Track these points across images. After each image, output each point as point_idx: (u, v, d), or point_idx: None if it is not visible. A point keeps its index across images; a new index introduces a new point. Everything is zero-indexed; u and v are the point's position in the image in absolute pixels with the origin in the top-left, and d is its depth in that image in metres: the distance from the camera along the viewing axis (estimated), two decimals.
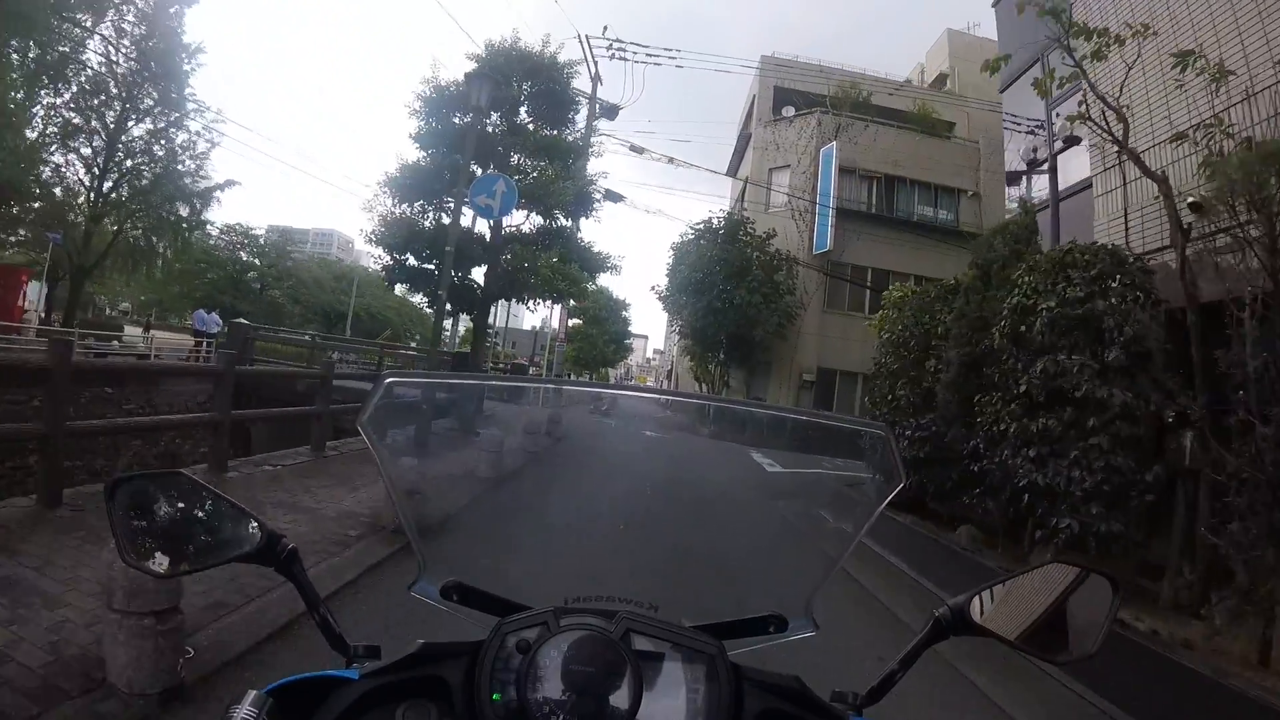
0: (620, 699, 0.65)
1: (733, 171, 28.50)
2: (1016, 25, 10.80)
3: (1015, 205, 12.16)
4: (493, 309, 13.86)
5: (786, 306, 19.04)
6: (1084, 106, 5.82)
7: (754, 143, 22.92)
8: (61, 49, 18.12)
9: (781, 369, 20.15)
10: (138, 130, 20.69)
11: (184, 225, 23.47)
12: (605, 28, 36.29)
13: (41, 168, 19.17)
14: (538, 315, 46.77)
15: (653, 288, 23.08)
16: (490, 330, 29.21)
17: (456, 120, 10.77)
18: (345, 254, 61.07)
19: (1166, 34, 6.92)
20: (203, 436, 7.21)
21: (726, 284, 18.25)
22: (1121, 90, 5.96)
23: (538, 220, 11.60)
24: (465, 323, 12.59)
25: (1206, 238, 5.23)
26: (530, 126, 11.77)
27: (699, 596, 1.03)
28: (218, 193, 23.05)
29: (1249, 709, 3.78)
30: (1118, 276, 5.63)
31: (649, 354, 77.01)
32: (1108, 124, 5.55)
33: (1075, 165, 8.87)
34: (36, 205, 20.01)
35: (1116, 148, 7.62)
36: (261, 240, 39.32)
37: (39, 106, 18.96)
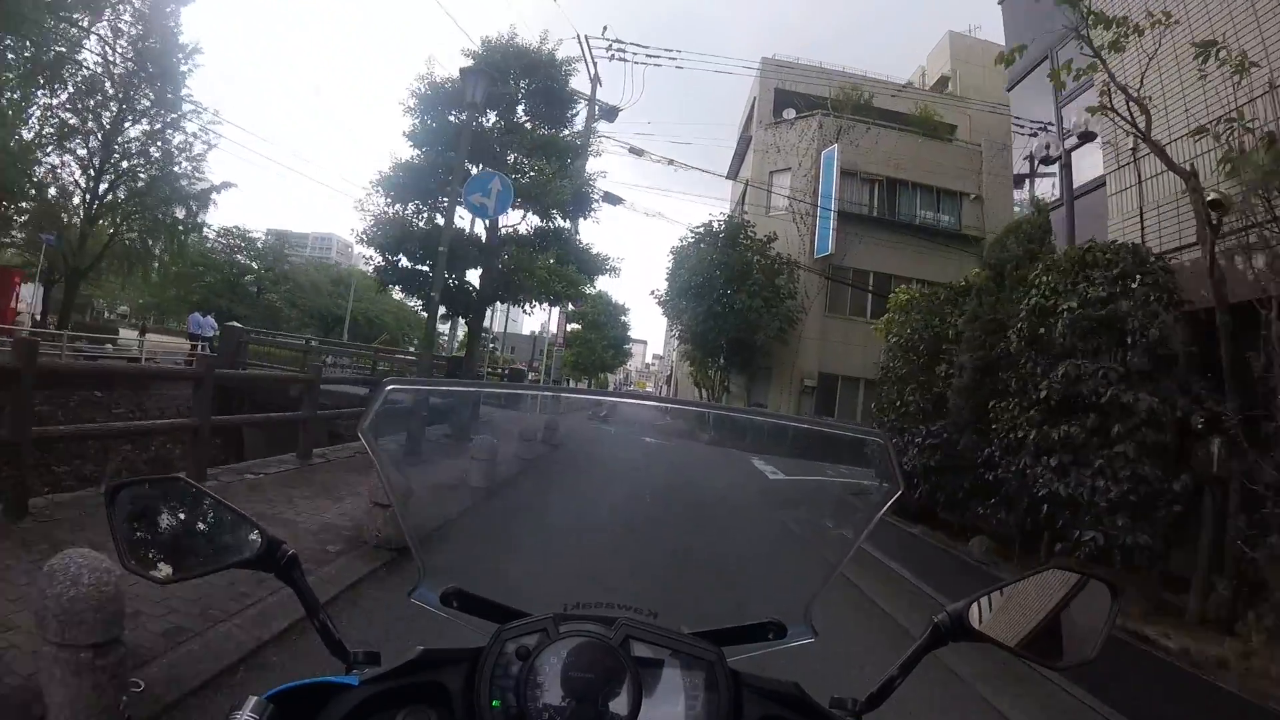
0: (620, 706, 0.65)
1: (733, 174, 28.36)
2: (1024, 22, 10.64)
3: (1021, 206, 11.98)
4: (490, 313, 13.63)
5: (787, 311, 18.86)
6: (1104, 98, 5.58)
7: (754, 145, 22.77)
8: (58, 49, 17.95)
9: (782, 374, 19.94)
10: (134, 131, 20.58)
11: (180, 228, 23.29)
12: (605, 28, 36.21)
13: (35, 168, 18.99)
14: (536, 320, 46.69)
15: (652, 292, 22.95)
16: (489, 335, 29.08)
17: (452, 118, 10.57)
18: (344, 258, 60.92)
19: (1180, 25, 6.72)
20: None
21: (727, 288, 18.08)
22: (1141, 82, 5.74)
23: (534, 221, 11.42)
24: (465, 327, 12.34)
25: (1239, 232, 4.98)
26: (527, 125, 11.57)
27: (698, 603, 1.02)
28: (214, 195, 22.91)
29: None
30: (1138, 276, 5.41)
31: (648, 359, 76.82)
32: (1132, 115, 5.31)
33: (1087, 164, 8.66)
34: (27, 206, 19.80)
35: (1131, 146, 7.43)
36: (259, 243, 39.17)
37: (35, 107, 18.80)
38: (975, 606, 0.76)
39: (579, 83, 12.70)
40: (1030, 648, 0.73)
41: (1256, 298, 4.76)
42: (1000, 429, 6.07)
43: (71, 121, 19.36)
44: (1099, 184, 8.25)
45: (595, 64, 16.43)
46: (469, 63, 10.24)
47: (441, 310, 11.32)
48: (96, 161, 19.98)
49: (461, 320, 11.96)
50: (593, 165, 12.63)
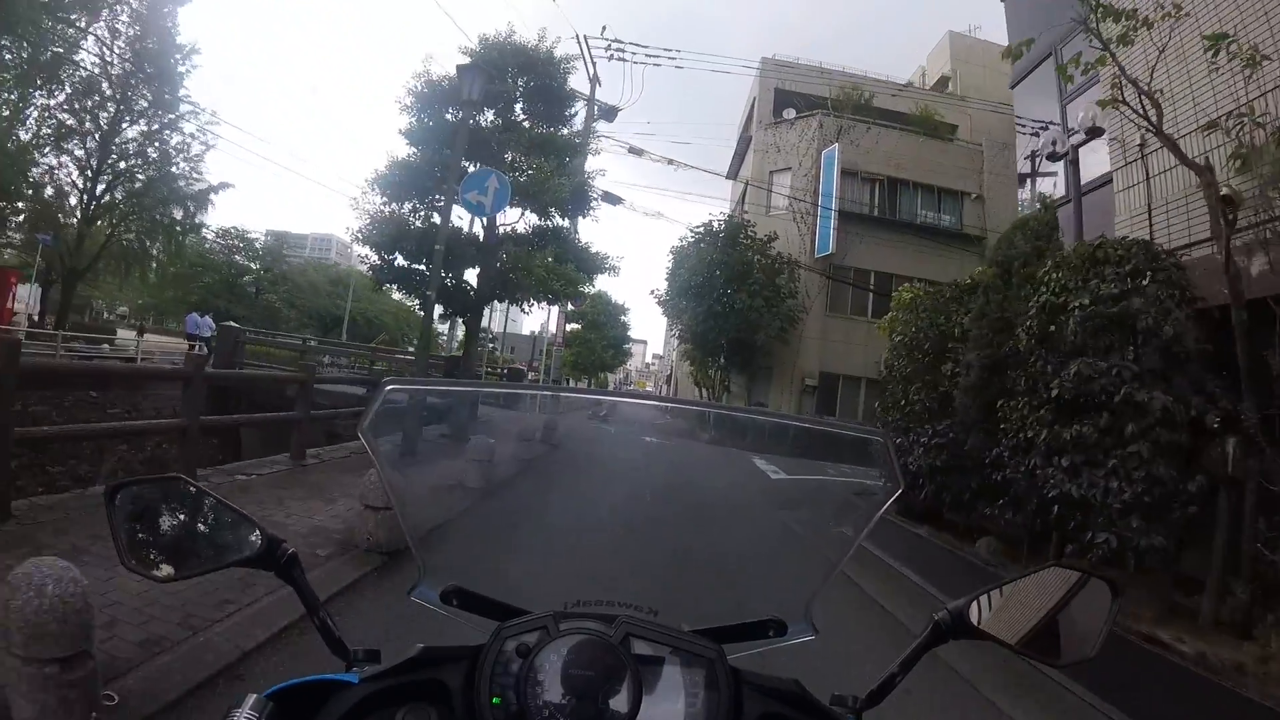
0: (620, 703, 0.65)
1: (733, 174, 28.25)
2: (1027, 18, 10.53)
3: (1024, 204, 11.86)
4: (489, 312, 13.50)
5: (788, 310, 18.75)
6: (1115, 90, 5.47)
7: (755, 145, 22.67)
8: (55, 49, 17.84)
9: (783, 374, 19.82)
10: (131, 132, 20.48)
11: (178, 228, 23.19)
12: (604, 27, 36.15)
13: (32, 169, 18.88)
14: (536, 320, 46.59)
15: (652, 292, 22.84)
16: (488, 335, 28.96)
17: (449, 116, 10.45)
18: (344, 258, 60.77)
19: (1189, 19, 6.62)
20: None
21: (727, 288, 17.97)
22: (1152, 76, 5.62)
23: (533, 219, 11.30)
24: (464, 327, 12.24)
25: (1254, 228, 4.87)
26: (525, 123, 11.45)
27: (699, 601, 1.01)
28: (212, 195, 22.81)
29: None
30: (1150, 273, 5.29)
31: (648, 359, 76.71)
32: (1144, 108, 5.20)
33: (1093, 161, 8.54)
34: (24, 206, 19.68)
35: (1139, 142, 7.31)
36: (257, 244, 39.06)
37: (32, 108, 18.69)
38: (976, 604, 0.76)
39: (578, 82, 12.60)
40: (1030, 645, 0.73)
41: (1272, 294, 4.65)
42: (1009, 428, 5.94)
43: (69, 122, 19.27)
44: (1105, 181, 8.13)
45: (594, 64, 16.36)
46: (467, 60, 10.11)
47: (440, 310, 11.21)
48: (94, 162, 19.88)
49: (460, 320, 11.84)
50: (591, 164, 12.53)
